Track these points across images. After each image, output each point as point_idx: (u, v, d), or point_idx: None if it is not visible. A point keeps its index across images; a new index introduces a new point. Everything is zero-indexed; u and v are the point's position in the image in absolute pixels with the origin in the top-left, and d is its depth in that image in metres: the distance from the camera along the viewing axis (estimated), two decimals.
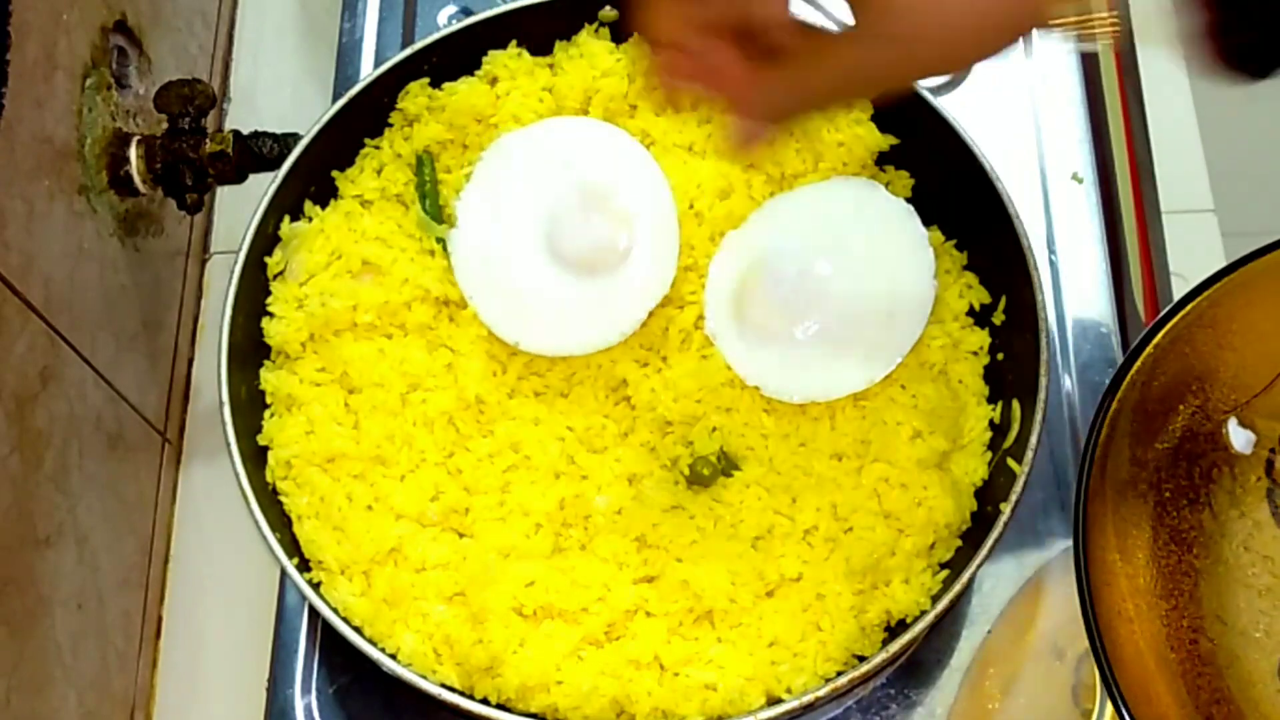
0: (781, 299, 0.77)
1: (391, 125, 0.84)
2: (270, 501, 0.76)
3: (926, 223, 0.79)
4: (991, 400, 0.78)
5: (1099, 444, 0.72)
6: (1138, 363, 0.73)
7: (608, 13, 0.84)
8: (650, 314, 0.78)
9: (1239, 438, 0.79)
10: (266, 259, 0.80)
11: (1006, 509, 0.72)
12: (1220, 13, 0.53)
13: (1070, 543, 0.82)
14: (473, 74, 0.84)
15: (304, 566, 0.75)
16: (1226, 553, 0.78)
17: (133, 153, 0.82)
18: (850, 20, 0.55)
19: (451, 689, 0.71)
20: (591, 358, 0.78)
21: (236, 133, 0.84)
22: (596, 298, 0.77)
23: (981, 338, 0.79)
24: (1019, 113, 0.95)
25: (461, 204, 0.80)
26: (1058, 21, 0.56)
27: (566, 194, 0.79)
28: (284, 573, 0.73)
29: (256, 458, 0.77)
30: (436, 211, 0.81)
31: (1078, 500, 0.71)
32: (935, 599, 0.72)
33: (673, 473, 0.76)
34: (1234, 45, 0.54)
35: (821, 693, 0.69)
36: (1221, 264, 0.92)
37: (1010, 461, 0.74)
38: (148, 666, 0.86)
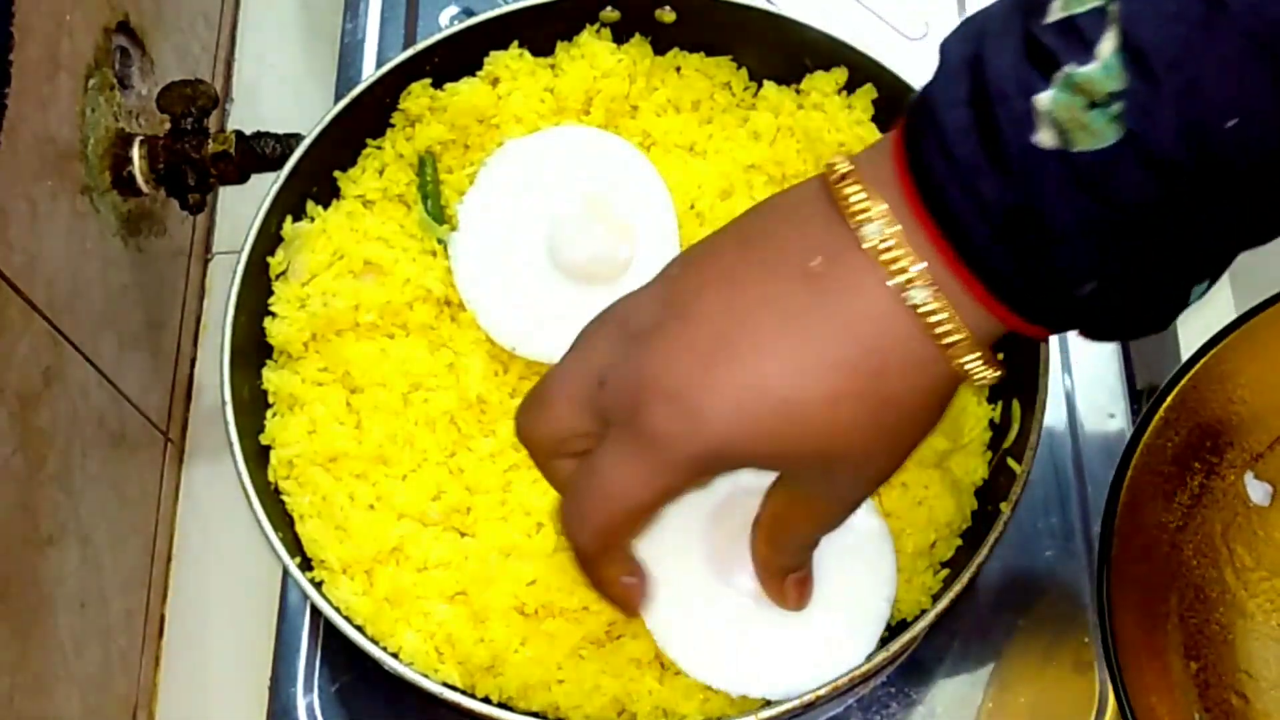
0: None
1: (393, 126, 0.84)
2: (272, 501, 0.76)
3: None
4: (991, 400, 0.78)
5: (1118, 513, 0.72)
6: (1151, 426, 0.74)
7: (609, 13, 0.84)
8: None
9: (1256, 491, 0.80)
10: (269, 259, 0.81)
11: (1007, 508, 0.72)
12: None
13: (1071, 544, 0.83)
14: (474, 74, 0.84)
15: (306, 565, 0.75)
16: (1251, 608, 0.79)
17: (135, 153, 0.82)
18: None
19: (453, 688, 0.72)
20: None
21: (239, 133, 0.84)
22: (596, 307, 0.77)
23: None
24: None
25: (463, 208, 0.80)
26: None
27: (569, 203, 0.79)
28: (286, 572, 0.73)
29: (259, 457, 0.77)
30: (438, 212, 0.81)
31: (1101, 569, 0.71)
32: (935, 598, 0.72)
33: None
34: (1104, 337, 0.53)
35: (822, 692, 0.69)
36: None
37: (1010, 461, 0.74)
38: (150, 665, 0.86)
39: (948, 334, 0.50)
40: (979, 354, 0.50)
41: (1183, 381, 0.75)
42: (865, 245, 0.49)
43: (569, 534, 0.57)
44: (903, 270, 0.49)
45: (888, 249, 0.49)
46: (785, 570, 0.64)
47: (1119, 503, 0.73)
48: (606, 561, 0.59)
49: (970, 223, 0.48)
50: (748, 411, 0.51)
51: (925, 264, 0.49)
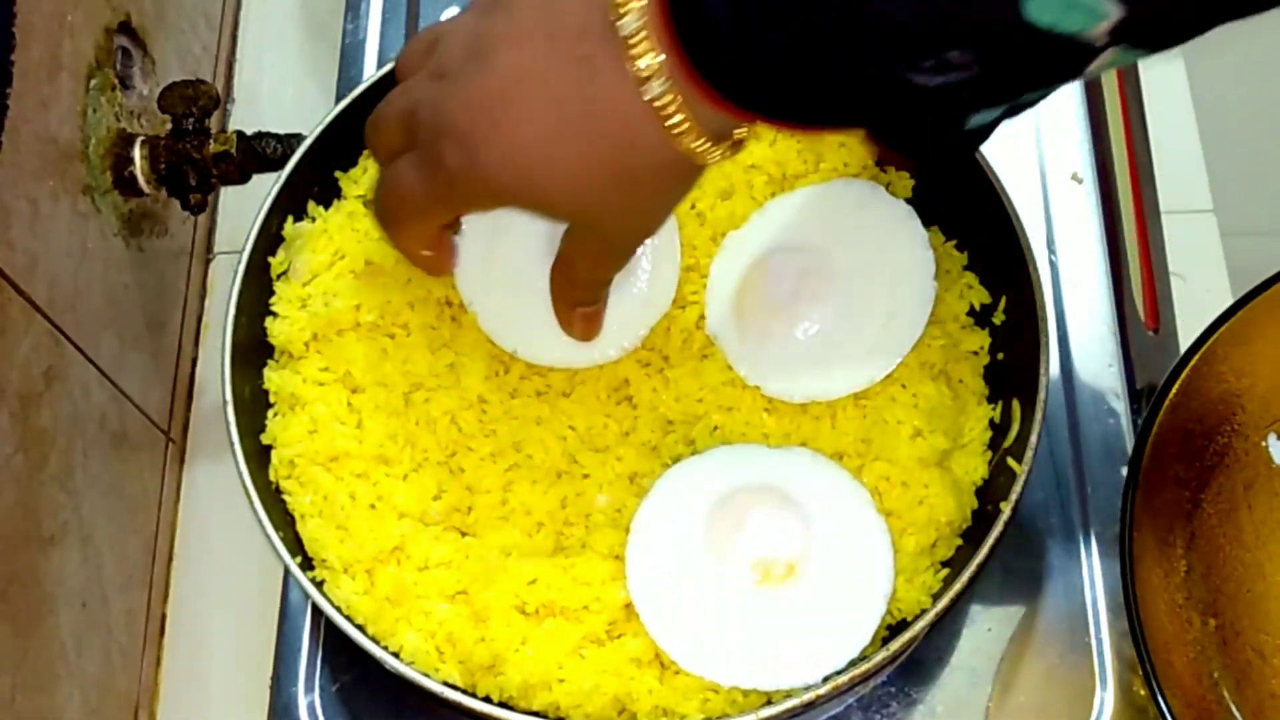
0: (782, 299, 0.77)
1: None
2: (273, 500, 0.76)
3: (927, 223, 0.80)
4: (992, 400, 0.78)
5: (1143, 470, 0.73)
6: (1176, 385, 0.75)
7: None
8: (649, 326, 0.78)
9: (1279, 451, 0.80)
10: (270, 259, 0.81)
11: (1007, 508, 0.72)
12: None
13: (1072, 544, 0.84)
14: None
15: (307, 565, 0.75)
16: (1270, 568, 0.80)
17: (137, 153, 0.82)
18: None
19: (454, 687, 0.72)
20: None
21: (240, 133, 0.84)
22: None
23: (982, 338, 0.79)
24: None
25: None
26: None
27: None
28: (287, 571, 0.73)
29: (260, 457, 0.77)
30: None
31: (1124, 526, 0.72)
32: (936, 597, 0.72)
33: None
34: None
35: (822, 690, 0.70)
36: (1221, 264, 0.93)
37: (1010, 461, 0.74)
38: (151, 665, 0.86)
39: (677, 124, 0.55)
40: (704, 139, 0.56)
41: (1209, 341, 0.76)
42: (621, 34, 0.54)
43: (375, 215, 0.69)
44: (643, 60, 0.54)
45: (636, 40, 0.54)
46: (574, 302, 0.72)
47: (1144, 459, 0.74)
48: (403, 238, 0.69)
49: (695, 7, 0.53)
50: (510, 171, 0.59)
51: (663, 57, 0.54)
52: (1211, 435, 0.80)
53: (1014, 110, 0.56)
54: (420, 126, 0.62)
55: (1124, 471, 0.75)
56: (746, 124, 0.57)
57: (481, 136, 0.59)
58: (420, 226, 0.68)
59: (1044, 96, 0.55)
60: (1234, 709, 0.77)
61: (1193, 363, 0.75)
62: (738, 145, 0.58)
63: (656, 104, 0.55)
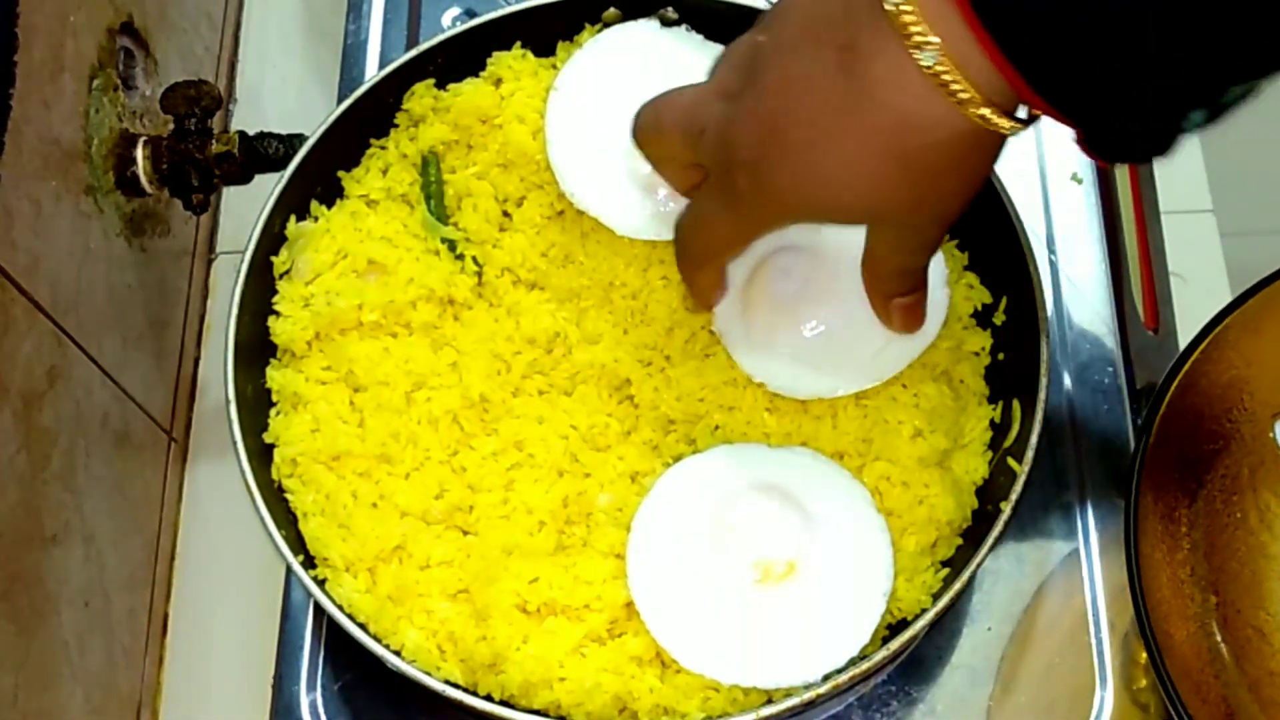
0: (789, 297, 0.77)
1: (397, 126, 0.84)
2: (276, 499, 0.76)
3: None
4: (992, 400, 0.78)
5: (1149, 449, 0.74)
6: (1184, 368, 0.76)
7: (610, 13, 0.84)
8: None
9: None
10: (272, 258, 0.81)
11: (1007, 508, 0.72)
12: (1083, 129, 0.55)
13: (1071, 543, 0.84)
14: (477, 75, 0.84)
15: (309, 563, 0.75)
16: (1274, 549, 0.80)
17: (139, 153, 0.83)
18: None
19: (455, 685, 0.72)
20: (594, 357, 0.78)
21: (242, 133, 0.84)
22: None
23: (983, 339, 0.79)
24: None
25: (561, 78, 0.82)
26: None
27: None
28: (289, 570, 0.73)
29: (262, 456, 0.77)
30: (441, 212, 0.82)
31: (1129, 503, 0.73)
32: (936, 597, 0.72)
33: None
34: (1108, 148, 0.56)
35: (823, 690, 0.70)
36: (1221, 264, 0.93)
37: (1010, 461, 0.74)
38: (154, 663, 0.87)
39: (960, 90, 0.53)
40: (991, 108, 0.54)
41: (1218, 328, 0.76)
42: (887, 6, 0.53)
43: (678, 252, 0.72)
44: (920, 33, 0.53)
45: (907, 15, 0.53)
46: (888, 294, 0.70)
47: (1150, 439, 0.74)
48: (700, 276, 0.72)
49: None
50: (801, 188, 0.60)
51: (941, 29, 0.53)
52: (1219, 419, 0.81)
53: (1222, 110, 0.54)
54: (710, 154, 0.63)
55: (1124, 472, 0.76)
56: (1024, 96, 0.54)
57: (767, 161, 0.59)
58: (726, 258, 0.70)
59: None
60: (1233, 684, 0.77)
61: (1203, 345, 0.76)
62: (1032, 119, 0.56)
63: (936, 71, 0.53)
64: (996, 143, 0.58)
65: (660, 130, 0.68)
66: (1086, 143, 0.56)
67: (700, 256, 0.71)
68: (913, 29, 0.53)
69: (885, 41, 0.54)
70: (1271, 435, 0.81)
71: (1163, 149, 0.55)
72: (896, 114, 0.55)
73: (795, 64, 0.58)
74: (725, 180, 0.62)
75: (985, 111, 0.54)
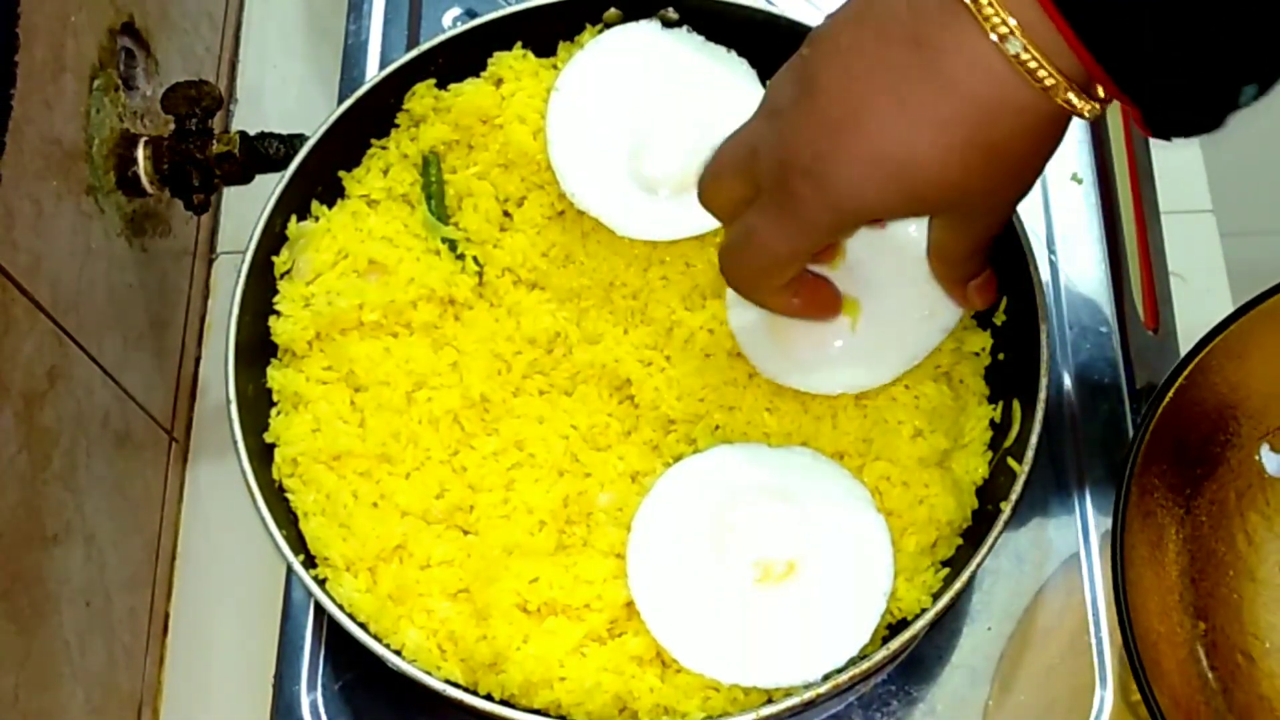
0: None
1: (398, 126, 0.84)
2: (276, 499, 0.76)
3: None
4: (992, 400, 0.78)
5: (1135, 473, 0.74)
6: (1170, 392, 0.76)
7: (611, 14, 0.85)
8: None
9: (1271, 462, 0.81)
10: (273, 258, 0.81)
11: (1007, 508, 0.72)
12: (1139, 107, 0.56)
13: (1071, 543, 0.84)
14: (478, 75, 0.84)
15: (310, 563, 0.75)
16: (1261, 573, 0.80)
17: (140, 154, 0.83)
18: None
19: (455, 685, 0.72)
20: (595, 357, 0.78)
21: (243, 134, 0.84)
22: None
23: (984, 339, 0.79)
24: None
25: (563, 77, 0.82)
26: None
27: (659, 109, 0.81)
28: (290, 569, 0.73)
29: (263, 455, 0.77)
30: (442, 212, 0.82)
31: (1116, 528, 0.73)
32: (936, 596, 0.72)
33: None
34: (1166, 124, 0.57)
35: (823, 689, 0.70)
36: (1220, 264, 0.93)
37: (1010, 461, 0.74)
38: (155, 663, 0.87)
39: (1046, 77, 0.54)
40: (1073, 93, 0.55)
41: (1203, 352, 0.76)
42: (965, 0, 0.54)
43: (727, 278, 0.68)
44: (1001, 22, 0.54)
45: (987, 6, 0.54)
46: (961, 279, 0.70)
47: (1136, 463, 0.74)
48: (771, 294, 0.68)
49: None
50: (872, 180, 0.58)
51: (1020, 17, 0.53)
52: (1205, 444, 0.80)
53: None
54: (763, 171, 0.62)
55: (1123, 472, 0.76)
56: (1096, 76, 0.55)
57: (829, 162, 0.58)
58: (784, 276, 0.66)
59: None
60: (1223, 711, 0.77)
61: (1187, 372, 0.76)
62: (1108, 99, 0.57)
63: (1022, 60, 0.54)
64: (1066, 125, 0.59)
65: (717, 175, 0.66)
66: (1144, 121, 0.57)
67: (754, 279, 0.67)
68: (994, 19, 0.54)
69: (963, 34, 0.55)
70: (1258, 458, 0.81)
71: (1216, 124, 0.56)
72: (983, 104, 0.56)
73: (858, 63, 0.58)
74: (782, 193, 0.61)
75: (1071, 96, 0.55)
